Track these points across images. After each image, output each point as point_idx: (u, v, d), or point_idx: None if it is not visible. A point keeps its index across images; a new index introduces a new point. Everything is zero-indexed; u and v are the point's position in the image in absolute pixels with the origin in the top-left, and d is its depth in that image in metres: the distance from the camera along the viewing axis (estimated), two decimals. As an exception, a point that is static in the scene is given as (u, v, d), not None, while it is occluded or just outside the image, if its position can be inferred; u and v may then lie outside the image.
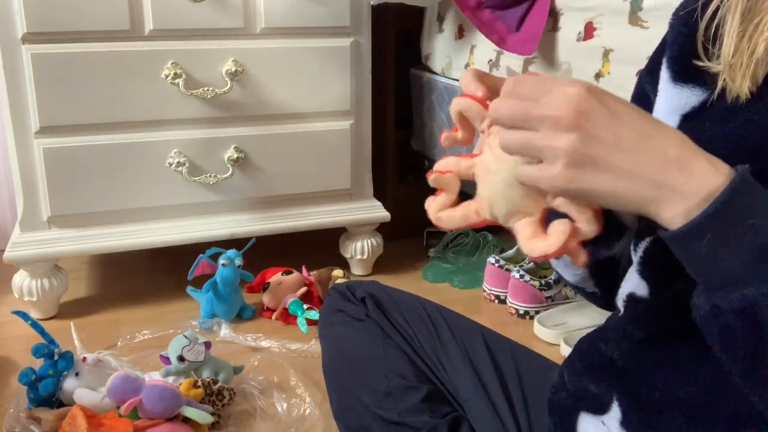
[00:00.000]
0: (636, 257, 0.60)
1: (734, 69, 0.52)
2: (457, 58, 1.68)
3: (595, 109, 0.45)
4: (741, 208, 0.43)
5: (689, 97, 0.57)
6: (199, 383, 1.14)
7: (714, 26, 0.55)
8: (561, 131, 0.45)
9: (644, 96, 0.65)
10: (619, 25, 1.17)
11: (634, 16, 1.14)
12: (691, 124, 0.57)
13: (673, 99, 0.59)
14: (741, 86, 0.52)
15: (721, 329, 0.45)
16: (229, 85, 1.47)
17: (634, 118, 0.46)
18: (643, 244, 0.59)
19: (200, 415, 1.05)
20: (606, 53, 1.21)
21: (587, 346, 0.66)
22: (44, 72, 1.36)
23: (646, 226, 0.58)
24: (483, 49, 1.58)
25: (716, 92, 0.54)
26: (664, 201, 0.44)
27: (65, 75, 1.37)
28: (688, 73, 0.57)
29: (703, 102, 0.56)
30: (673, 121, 0.58)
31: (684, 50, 0.58)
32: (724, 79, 0.53)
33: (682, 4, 0.59)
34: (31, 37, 1.34)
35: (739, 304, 0.43)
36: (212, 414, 1.09)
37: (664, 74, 0.60)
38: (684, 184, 0.44)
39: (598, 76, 1.24)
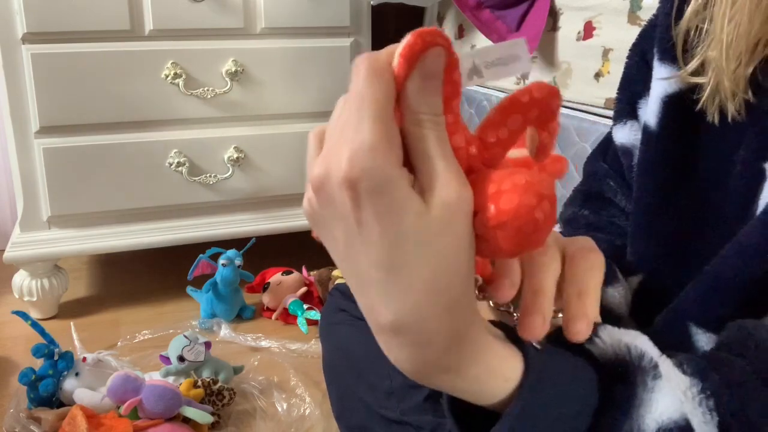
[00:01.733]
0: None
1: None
2: (457, 58, 1.68)
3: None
4: (542, 402, 0.36)
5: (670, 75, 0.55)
6: (199, 383, 1.14)
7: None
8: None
9: (635, 70, 0.62)
10: (618, 25, 1.18)
11: (634, 16, 1.14)
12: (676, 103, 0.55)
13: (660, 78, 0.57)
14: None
15: None
16: (229, 85, 1.47)
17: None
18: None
19: (200, 415, 1.05)
20: (606, 52, 1.21)
21: None
22: (44, 72, 1.36)
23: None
24: (483, 49, 1.58)
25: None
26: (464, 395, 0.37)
27: (65, 75, 1.37)
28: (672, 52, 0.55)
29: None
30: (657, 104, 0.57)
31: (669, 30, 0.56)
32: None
33: None
34: (31, 37, 1.34)
35: None
36: (212, 414, 1.09)
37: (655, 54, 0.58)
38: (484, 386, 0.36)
39: (597, 75, 1.24)
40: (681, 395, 0.38)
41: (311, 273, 1.61)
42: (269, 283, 1.56)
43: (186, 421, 1.06)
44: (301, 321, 1.49)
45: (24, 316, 1.17)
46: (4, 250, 1.45)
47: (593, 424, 0.37)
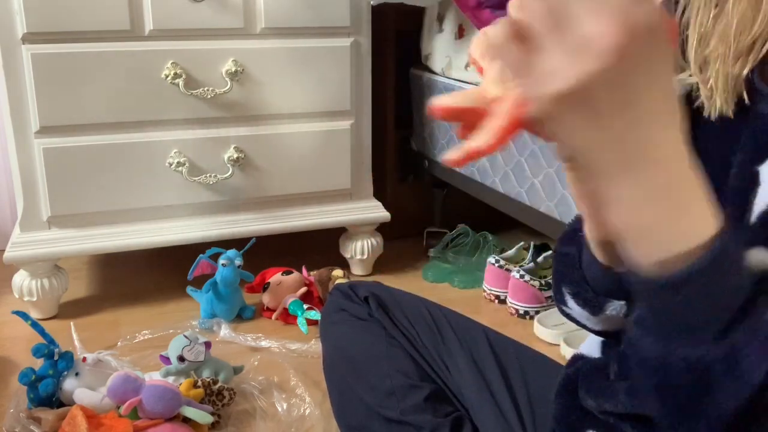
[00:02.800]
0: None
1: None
2: (457, 58, 1.68)
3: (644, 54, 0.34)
4: (728, 265, 0.38)
5: None
6: (199, 383, 1.14)
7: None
8: (592, 50, 0.33)
9: None
10: (619, 25, 1.17)
11: (634, 16, 1.14)
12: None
13: None
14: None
15: (664, 376, 0.41)
16: (229, 85, 1.47)
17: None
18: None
19: (200, 415, 1.05)
20: (606, 53, 1.21)
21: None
22: (44, 72, 1.36)
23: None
24: (483, 49, 1.58)
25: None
26: (646, 232, 0.38)
27: (65, 75, 1.37)
28: None
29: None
30: None
31: None
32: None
33: None
34: (31, 37, 1.34)
35: (695, 361, 0.39)
36: (212, 414, 1.09)
37: None
38: (675, 223, 0.38)
39: (598, 75, 1.24)
40: None
41: (311, 273, 1.61)
42: (269, 283, 1.56)
43: (186, 421, 1.06)
44: (301, 321, 1.49)
45: (24, 316, 1.17)
46: (4, 250, 1.45)
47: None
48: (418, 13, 1.83)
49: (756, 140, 0.51)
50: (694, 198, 0.38)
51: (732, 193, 0.51)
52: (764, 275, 0.40)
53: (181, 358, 1.18)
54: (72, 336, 1.32)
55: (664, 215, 0.38)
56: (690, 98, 0.54)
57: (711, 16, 0.51)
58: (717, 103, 0.52)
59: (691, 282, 0.37)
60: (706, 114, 0.53)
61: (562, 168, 0.39)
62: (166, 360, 1.19)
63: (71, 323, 1.37)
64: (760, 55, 0.49)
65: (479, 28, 1.49)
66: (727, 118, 0.52)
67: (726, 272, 0.38)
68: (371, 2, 1.59)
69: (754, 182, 0.49)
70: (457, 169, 1.71)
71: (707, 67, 0.52)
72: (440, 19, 1.76)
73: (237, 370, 1.25)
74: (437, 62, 1.77)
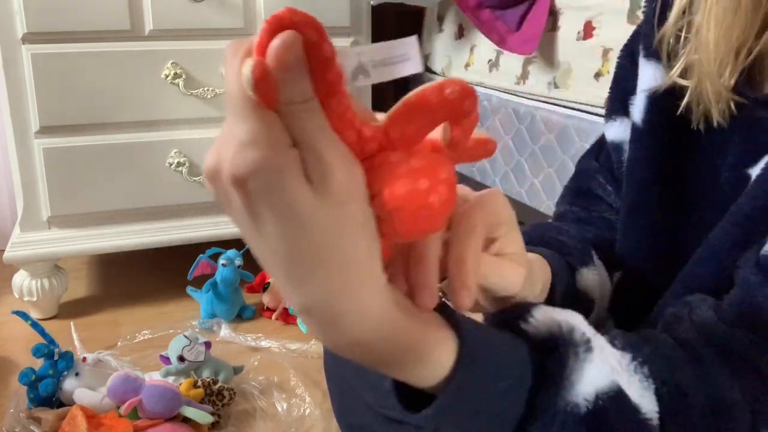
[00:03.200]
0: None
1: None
2: (457, 58, 1.68)
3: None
4: (476, 386, 0.36)
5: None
6: (199, 383, 1.14)
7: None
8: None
9: (623, 71, 0.63)
10: (618, 25, 1.18)
11: (634, 16, 1.14)
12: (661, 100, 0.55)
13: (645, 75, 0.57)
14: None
15: None
16: (229, 85, 1.47)
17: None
18: None
19: (200, 415, 1.05)
20: (605, 52, 1.21)
21: None
22: (44, 72, 1.36)
23: None
24: (483, 49, 1.58)
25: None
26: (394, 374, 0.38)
27: (65, 75, 1.37)
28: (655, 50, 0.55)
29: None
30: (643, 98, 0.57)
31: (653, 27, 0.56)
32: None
33: None
34: (31, 37, 1.34)
35: None
36: (212, 414, 1.09)
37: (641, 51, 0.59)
38: (411, 374, 0.37)
39: (597, 75, 1.24)
40: (615, 364, 0.39)
41: (311, 273, 1.61)
42: (269, 283, 1.56)
43: (186, 421, 1.06)
44: (301, 321, 1.49)
45: (24, 316, 1.17)
46: (4, 250, 1.45)
47: (529, 399, 0.38)
48: (418, 13, 1.83)
49: (747, 143, 0.50)
50: (414, 346, 0.35)
51: (722, 197, 0.51)
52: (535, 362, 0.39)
53: (181, 358, 1.18)
54: (72, 336, 1.32)
55: (398, 372, 0.37)
56: (675, 99, 0.54)
57: (692, 21, 0.51)
58: (704, 108, 0.52)
59: (449, 413, 0.36)
60: (694, 118, 0.53)
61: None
62: (166, 360, 1.19)
63: (71, 323, 1.37)
64: (747, 62, 0.49)
65: (479, 28, 1.49)
66: (714, 123, 0.51)
67: (475, 395, 0.36)
68: (371, 2, 1.59)
69: (745, 183, 0.49)
70: (457, 169, 1.71)
71: (693, 71, 0.51)
72: (440, 19, 1.76)
73: (237, 370, 1.25)
74: (437, 62, 1.77)
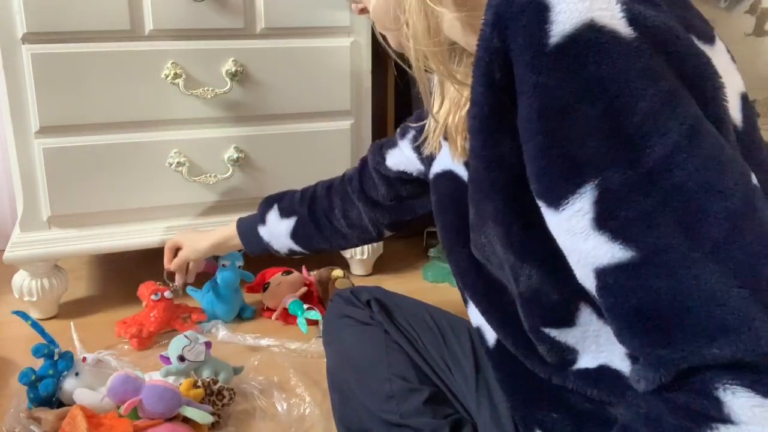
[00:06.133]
0: None
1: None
2: (457, 58, 1.68)
3: None
4: None
5: None
6: (199, 383, 1.14)
7: None
8: None
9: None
10: (619, 25, 1.17)
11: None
12: None
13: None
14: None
15: None
16: (229, 85, 1.47)
17: None
18: None
19: (200, 415, 1.05)
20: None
21: None
22: (44, 72, 1.36)
23: None
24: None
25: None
26: None
27: (65, 75, 1.37)
28: None
29: None
30: None
31: None
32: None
33: None
34: (31, 37, 1.34)
35: None
36: (212, 414, 1.09)
37: None
38: None
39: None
40: None
41: (311, 273, 1.61)
42: (269, 283, 1.56)
43: (186, 421, 1.06)
44: (301, 321, 1.49)
45: (24, 316, 1.17)
46: (4, 250, 1.45)
47: None
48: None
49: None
50: None
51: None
52: None
53: (181, 358, 1.18)
54: (72, 336, 1.32)
55: None
56: None
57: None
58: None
59: None
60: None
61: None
62: (166, 360, 1.20)
63: (71, 323, 1.37)
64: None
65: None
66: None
67: None
68: (371, 2, 1.59)
69: None
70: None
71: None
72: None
73: (237, 370, 1.25)
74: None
